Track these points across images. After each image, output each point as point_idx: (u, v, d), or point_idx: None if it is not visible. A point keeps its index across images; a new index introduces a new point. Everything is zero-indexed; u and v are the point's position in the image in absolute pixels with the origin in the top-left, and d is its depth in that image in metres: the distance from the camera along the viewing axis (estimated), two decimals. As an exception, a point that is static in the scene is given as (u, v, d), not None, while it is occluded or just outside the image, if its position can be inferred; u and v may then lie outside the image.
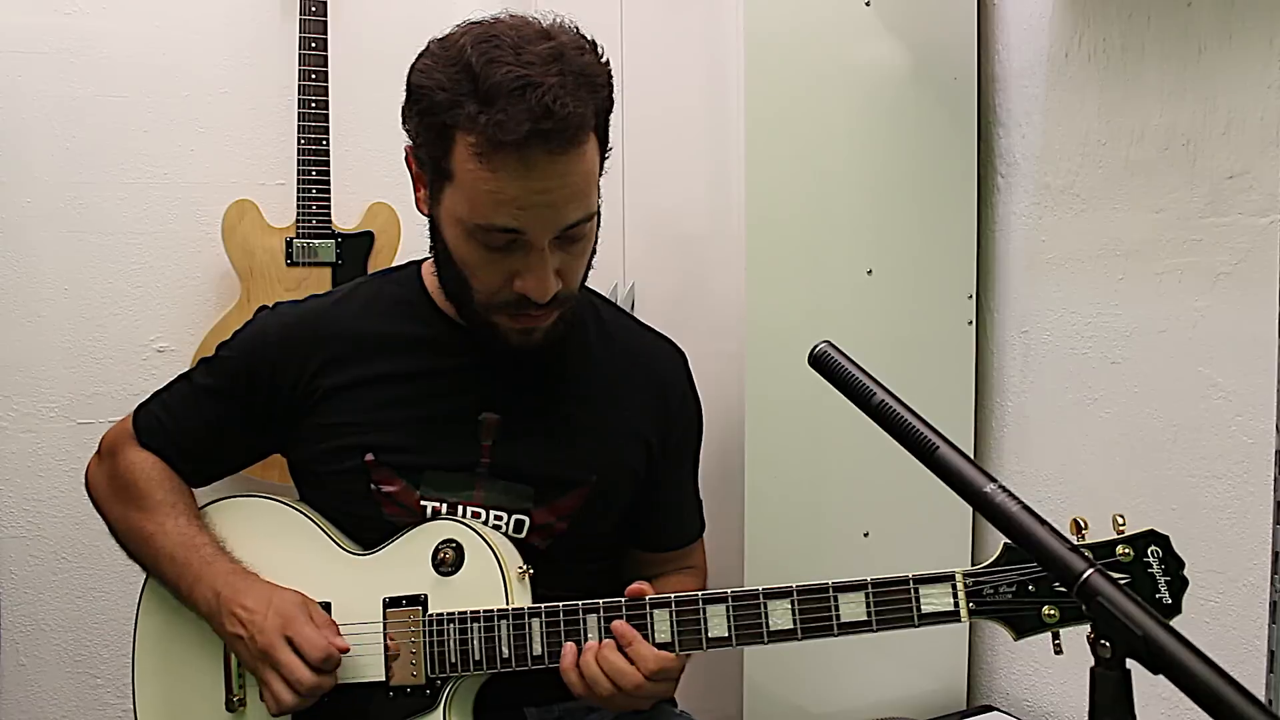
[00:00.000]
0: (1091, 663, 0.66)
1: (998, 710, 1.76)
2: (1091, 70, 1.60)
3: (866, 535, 1.67)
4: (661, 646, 1.09)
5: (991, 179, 1.77)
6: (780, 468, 1.59)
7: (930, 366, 1.72)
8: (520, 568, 1.15)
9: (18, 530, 2.06)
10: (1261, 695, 1.35)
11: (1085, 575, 0.66)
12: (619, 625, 1.09)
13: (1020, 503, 0.72)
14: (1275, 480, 1.34)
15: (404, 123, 1.12)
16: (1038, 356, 1.71)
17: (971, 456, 0.79)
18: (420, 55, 1.10)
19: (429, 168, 1.12)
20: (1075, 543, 0.97)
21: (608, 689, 1.08)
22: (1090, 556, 0.69)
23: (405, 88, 1.10)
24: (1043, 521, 0.71)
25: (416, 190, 1.17)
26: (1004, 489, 0.73)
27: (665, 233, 1.74)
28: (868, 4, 1.61)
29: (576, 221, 1.10)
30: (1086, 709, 0.66)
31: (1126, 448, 1.57)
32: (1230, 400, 1.44)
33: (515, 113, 1.00)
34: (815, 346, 0.86)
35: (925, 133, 1.68)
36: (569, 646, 1.10)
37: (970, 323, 1.76)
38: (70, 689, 2.10)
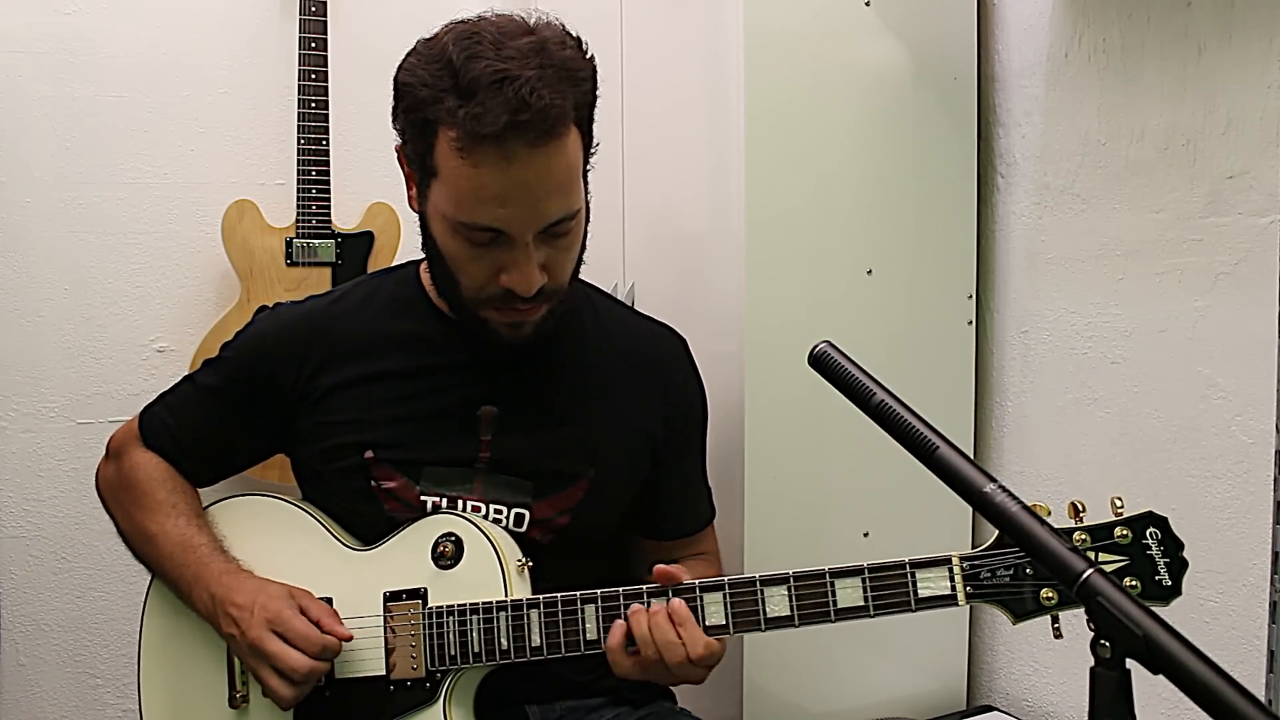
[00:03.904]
0: (1091, 663, 0.66)
1: (998, 710, 1.76)
2: (1091, 70, 1.60)
3: (866, 535, 1.67)
4: None
5: (991, 179, 1.77)
6: (780, 468, 1.59)
7: (930, 366, 1.72)
8: (519, 560, 1.15)
9: (18, 530, 2.06)
10: (1261, 695, 1.35)
11: (1085, 575, 0.66)
12: (678, 605, 1.08)
13: (1020, 503, 0.72)
14: (1275, 480, 1.34)
15: (393, 121, 1.14)
16: (1038, 356, 1.71)
17: (971, 456, 0.79)
18: (407, 55, 1.12)
19: (416, 165, 1.13)
20: (1074, 525, 0.98)
21: (654, 655, 1.08)
22: (1090, 557, 0.69)
23: (392, 86, 1.12)
24: (1043, 521, 0.71)
25: (409, 188, 1.18)
26: (1004, 489, 0.73)
27: (665, 232, 1.74)
28: (868, 4, 1.61)
29: (560, 218, 1.11)
30: (1086, 709, 0.66)
31: (1126, 448, 1.57)
32: (1230, 400, 1.44)
33: (493, 105, 1.02)
34: (815, 346, 0.86)
35: (925, 133, 1.68)
36: (619, 624, 1.09)
37: (970, 323, 1.76)
38: (70, 689, 2.10)
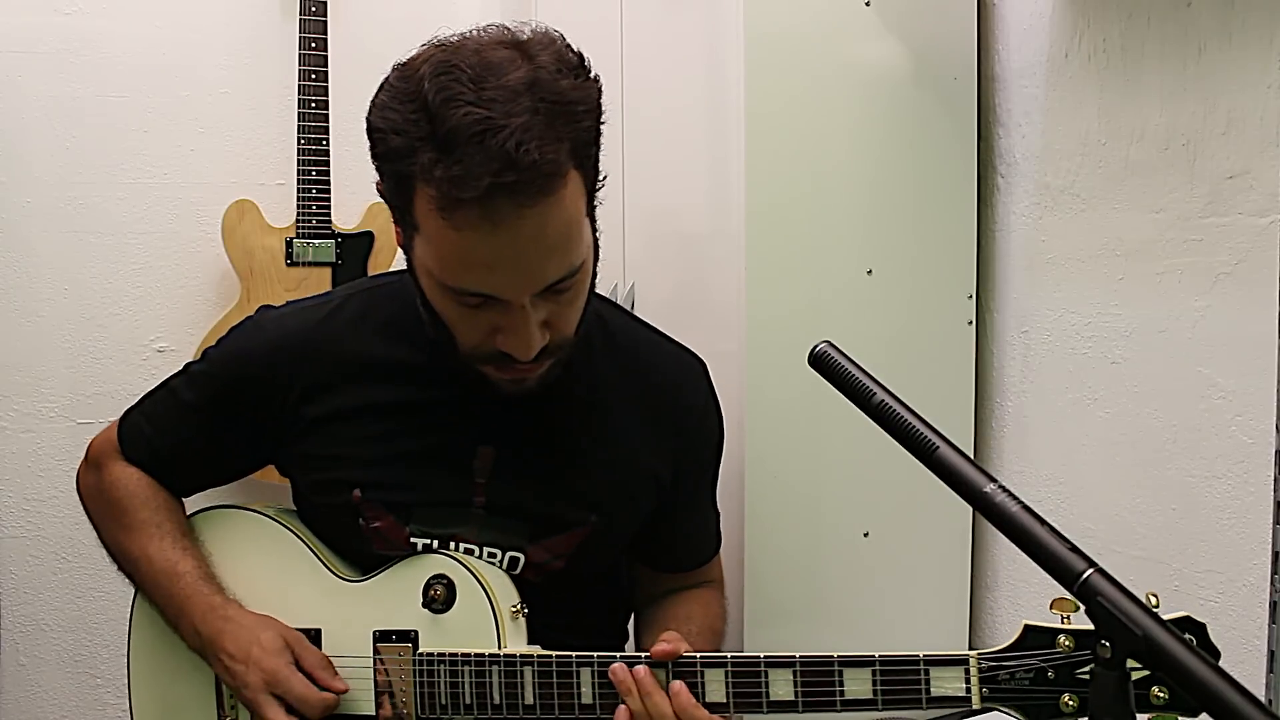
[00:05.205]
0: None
1: (998, 710, 1.75)
2: (1091, 70, 1.60)
3: (866, 535, 1.66)
4: None
5: (991, 179, 1.77)
6: (780, 468, 1.58)
7: (930, 366, 1.72)
8: (514, 606, 1.11)
9: (18, 530, 2.06)
10: (1261, 695, 1.35)
11: (1085, 575, 0.66)
12: (678, 688, 1.02)
13: (1020, 503, 0.72)
14: (1275, 480, 1.34)
15: (370, 158, 1.02)
16: (1038, 356, 1.71)
17: (971, 456, 0.79)
18: (380, 88, 0.99)
19: (396, 214, 1.03)
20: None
21: None
22: (1089, 556, 0.69)
23: (365, 125, 1.00)
24: (1043, 521, 0.71)
25: (394, 219, 1.06)
26: (1004, 489, 0.73)
27: (665, 232, 1.74)
28: (868, 4, 1.61)
29: (560, 278, 0.99)
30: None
31: (1126, 448, 1.57)
32: (1230, 400, 1.44)
33: (473, 164, 0.89)
34: (815, 346, 0.86)
35: (925, 132, 1.68)
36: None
37: (970, 323, 1.76)
38: (70, 689, 2.10)
